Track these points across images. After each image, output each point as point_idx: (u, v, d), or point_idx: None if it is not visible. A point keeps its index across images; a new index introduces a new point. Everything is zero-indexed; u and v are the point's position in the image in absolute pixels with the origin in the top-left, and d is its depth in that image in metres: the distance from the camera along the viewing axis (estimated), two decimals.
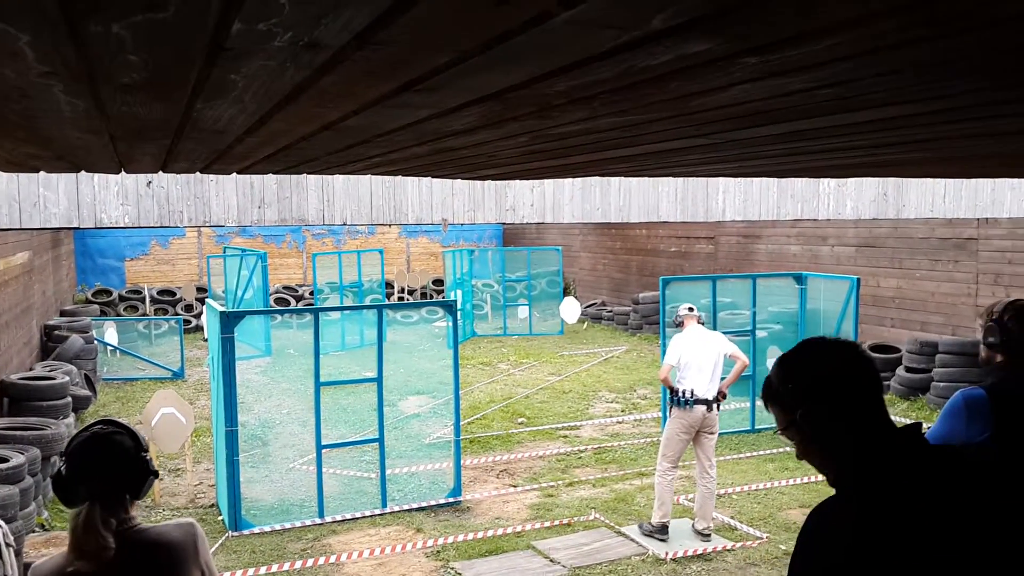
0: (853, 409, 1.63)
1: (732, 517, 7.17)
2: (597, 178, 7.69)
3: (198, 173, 6.25)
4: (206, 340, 16.75)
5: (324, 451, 7.44)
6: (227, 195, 6.70)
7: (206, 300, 9.91)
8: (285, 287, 21.02)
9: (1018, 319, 3.04)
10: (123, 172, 2.61)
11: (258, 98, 1.11)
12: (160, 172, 2.58)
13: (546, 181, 7.48)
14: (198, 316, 18.63)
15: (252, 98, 1.11)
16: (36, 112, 1.21)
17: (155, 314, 18.88)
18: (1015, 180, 8.93)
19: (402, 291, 21.29)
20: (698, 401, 6.54)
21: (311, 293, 19.92)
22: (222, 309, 7.41)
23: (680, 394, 6.57)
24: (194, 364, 14.69)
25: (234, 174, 6.53)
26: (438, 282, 22.09)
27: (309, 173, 2.62)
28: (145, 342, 15.85)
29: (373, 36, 0.76)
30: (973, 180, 8.85)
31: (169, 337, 15.95)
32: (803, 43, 0.80)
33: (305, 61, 0.87)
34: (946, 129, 1.50)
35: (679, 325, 7.08)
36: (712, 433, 6.67)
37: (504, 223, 7.57)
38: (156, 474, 2.40)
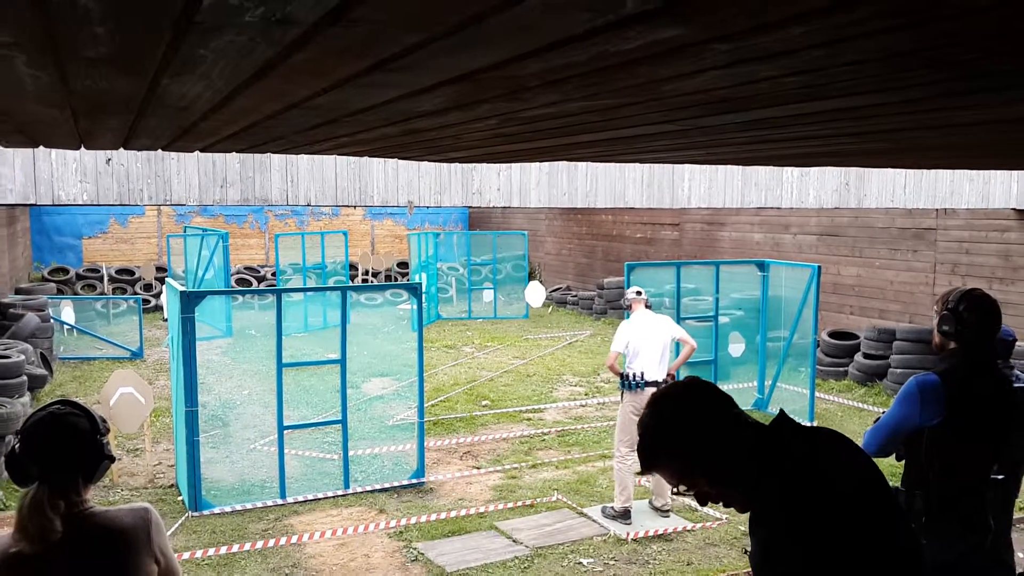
0: (730, 431, 1.75)
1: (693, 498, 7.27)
2: (564, 163, 7.70)
3: (160, 151, 6.15)
4: (166, 320, 16.53)
5: (286, 432, 7.40)
6: (189, 174, 6.60)
7: (166, 280, 9.77)
8: (247, 268, 20.79)
9: (972, 309, 3.14)
10: (83, 148, 2.55)
11: (226, 74, 1.09)
12: (121, 149, 2.53)
13: (513, 165, 7.47)
14: (157, 296, 18.39)
15: (220, 74, 1.09)
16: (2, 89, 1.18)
17: (113, 293, 18.58)
18: (973, 172, 9.10)
19: (366, 273, 21.18)
20: (648, 383, 6.63)
21: (273, 274, 19.73)
22: (182, 289, 7.32)
23: (631, 377, 6.66)
24: (153, 344, 14.50)
25: (196, 152, 6.44)
26: (403, 265, 22.00)
27: (274, 152, 2.60)
28: (103, 321, 15.60)
29: (346, 13, 0.76)
30: (932, 172, 9.01)
31: (128, 317, 15.71)
32: (773, 31, 0.81)
33: (276, 37, 0.86)
34: (909, 119, 1.53)
35: (628, 308, 7.16)
36: None
37: (470, 207, 7.56)
38: (112, 458, 2.35)
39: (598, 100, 1.30)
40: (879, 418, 3.33)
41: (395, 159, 3.01)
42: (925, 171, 9.00)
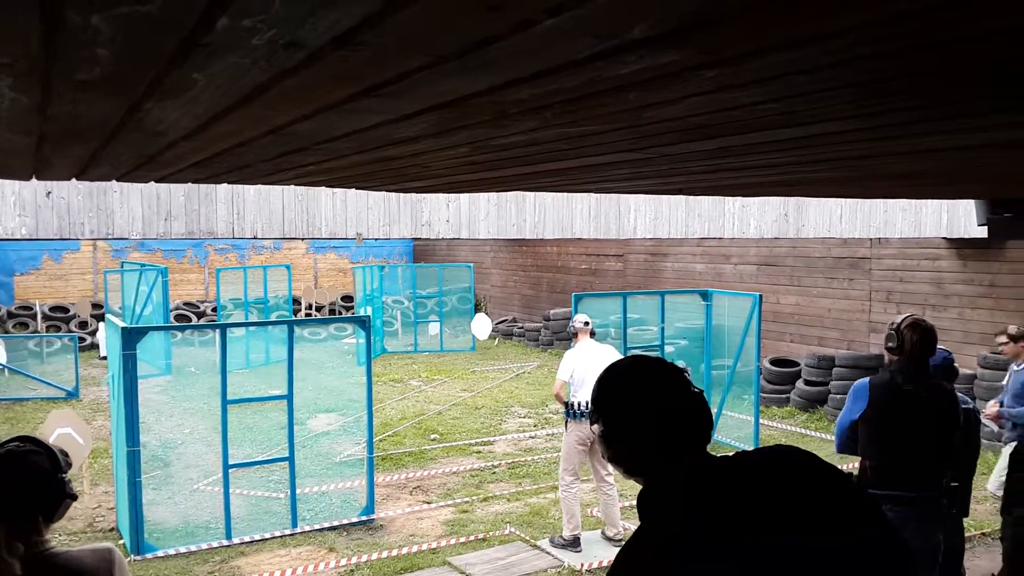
0: (647, 426, 1.57)
1: None
2: (513, 196, 7.76)
3: (107, 183, 6.04)
4: (103, 358, 16.07)
5: (231, 471, 7.23)
6: (132, 206, 6.48)
7: (106, 316, 9.53)
8: (186, 303, 20.38)
9: (910, 329, 3.97)
10: (34, 179, 2.49)
11: (213, 99, 1.09)
12: (73, 179, 2.48)
13: (462, 197, 7.50)
14: (93, 334, 17.89)
15: (207, 98, 1.08)
16: None
17: (47, 331, 18.01)
18: (906, 203, 9.42)
19: (310, 307, 20.93)
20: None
21: (214, 309, 19.39)
22: (123, 325, 7.14)
23: (575, 406, 6.70)
24: (89, 383, 14.08)
25: (140, 185, 6.33)
26: (347, 298, 21.82)
27: (232, 182, 2.56)
28: (36, 360, 15.10)
29: (354, 37, 0.76)
30: (868, 202, 9.30)
31: (62, 355, 15.25)
32: (766, 55, 0.84)
33: (277, 61, 0.86)
34: (875, 146, 1.59)
35: (573, 336, 7.22)
36: None
37: (418, 238, 7.56)
38: (74, 496, 2.28)
39: (575, 127, 1.33)
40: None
41: (349, 190, 3.00)
42: (861, 202, 9.29)
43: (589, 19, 0.70)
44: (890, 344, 4.01)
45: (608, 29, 0.74)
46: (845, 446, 4.21)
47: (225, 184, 6.70)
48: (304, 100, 1.10)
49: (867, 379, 4.08)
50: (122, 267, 16.52)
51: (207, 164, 2.00)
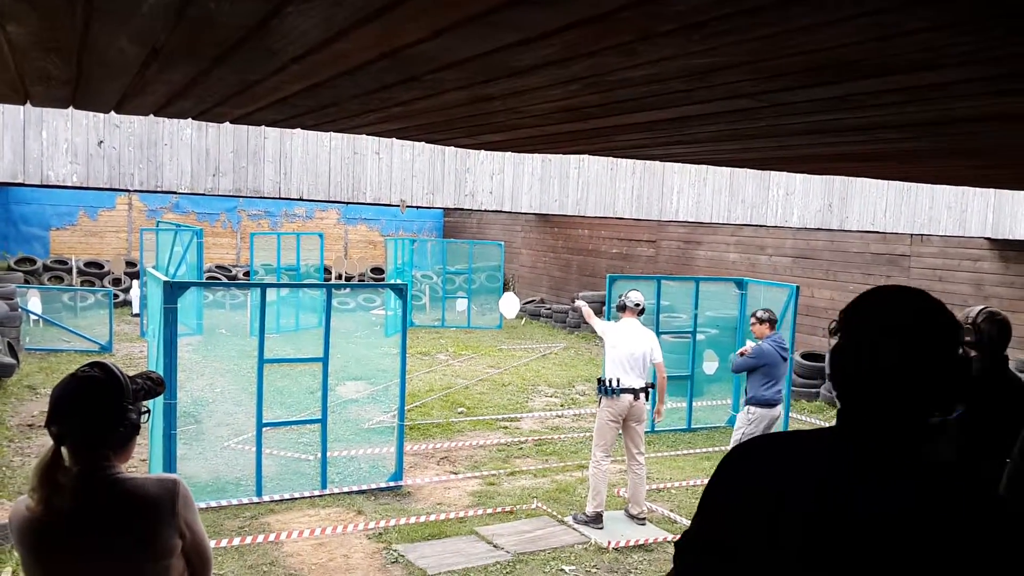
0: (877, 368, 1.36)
1: (671, 510, 7.29)
2: (557, 171, 7.73)
3: (159, 136, 6.09)
4: (135, 315, 16.27)
5: (263, 430, 7.30)
6: (181, 161, 6.52)
7: (148, 270, 9.63)
8: (218, 266, 20.55)
9: (988, 322, 3.77)
10: (113, 112, 2.50)
11: (358, 2, 1.06)
12: (152, 115, 2.48)
13: (507, 169, 7.49)
14: (127, 291, 18.11)
15: (353, 1, 1.06)
16: (113, 7, 1.13)
17: (81, 286, 18.23)
18: (952, 200, 9.28)
19: (339, 277, 21.04)
20: (624, 390, 6.72)
21: (245, 274, 19.55)
22: (166, 279, 7.20)
23: (607, 383, 6.72)
24: (122, 339, 14.26)
25: (190, 140, 6.37)
26: (376, 270, 21.91)
27: (309, 127, 2.55)
28: (70, 314, 15.30)
29: None
30: (913, 198, 9.17)
31: (95, 310, 15.44)
32: None
33: None
34: (991, 103, 1.55)
35: (620, 310, 7.18)
36: (639, 422, 6.88)
37: (461, 208, 7.55)
38: (136, 427, 2.28)
39: (707, 57, 1.29)
40: None
41: (425, 143, 2.97)
42: (906, 196, 9.16)
43: None
44: (968, 339, 3.76)
45: None
46: None
47: (274, 142, 6.72)
48: (453, 5, 1.07)
49: None
50: (157, 226, 16.67)
51: (293, 101, 1.99)
